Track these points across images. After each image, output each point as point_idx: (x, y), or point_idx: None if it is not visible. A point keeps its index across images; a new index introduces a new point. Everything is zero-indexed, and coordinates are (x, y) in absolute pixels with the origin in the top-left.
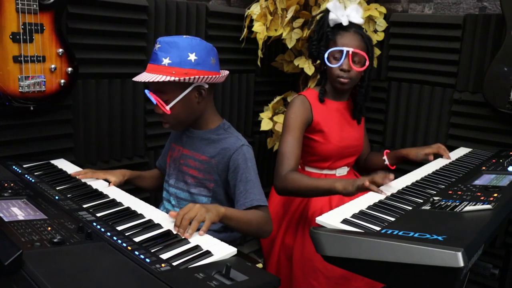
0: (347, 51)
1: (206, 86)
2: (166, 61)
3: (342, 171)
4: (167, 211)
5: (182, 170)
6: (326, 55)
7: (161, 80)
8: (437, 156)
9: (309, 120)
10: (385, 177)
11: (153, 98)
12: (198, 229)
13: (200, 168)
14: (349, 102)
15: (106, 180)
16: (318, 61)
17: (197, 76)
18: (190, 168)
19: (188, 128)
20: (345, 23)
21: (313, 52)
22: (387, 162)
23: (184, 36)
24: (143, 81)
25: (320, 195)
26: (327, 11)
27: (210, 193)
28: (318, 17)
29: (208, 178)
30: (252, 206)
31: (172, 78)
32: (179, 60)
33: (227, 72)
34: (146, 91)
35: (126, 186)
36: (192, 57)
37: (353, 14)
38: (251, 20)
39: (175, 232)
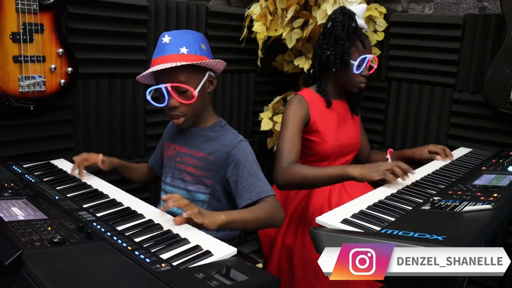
0: (369, 58)
1: (213, 75)
2: (183, 50)
3: None
4: None
5: (179, 168)
6: (356, 63)
7: (193, 63)
8: None
9: (307, 119)
10: (407, 170)
11: (168, 88)
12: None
13: (198, 165)
14: (344, 100)
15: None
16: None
17: (214, 60)
18: (188, 166)
19: None
20: (366, 28)
21: (346, 60)
22: (390, 161)
23: (189, 30)
24: (171, 66)
25: (329, 184)
26: (352, 15)
27: (208, 190)
28: (337, 19)
29: (206, 175)
30: (260, 198)
31: (203, 62)
32: (195, 49)
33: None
34: (159, 86)
35: (127, 186)
36: (203, 46)
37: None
38: (251, 20)
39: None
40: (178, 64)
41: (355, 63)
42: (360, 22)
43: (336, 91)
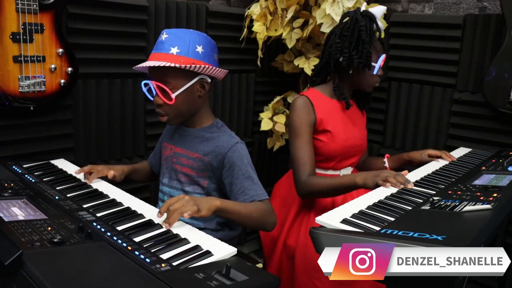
0: (383, 58)
1: (209, 80)
2: (174, 50)
3: (346, 171)
4: None
5: (175, 169)
6: (378, 64)
7: (172, 65)
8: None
9: (313, 121)
10: (404, 183)
11: (153, 86)
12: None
13: (194, 166)
14: (353, 101)
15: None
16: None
17: (206, 66)
18: (183, 167)
19: (180, 126)
20: (382, 30)
21: (369, 61)
22: (387, 165)
23: (191, 30)
24: (151, 65)
25: (343, 193)
26: (373, 18)
27: (203, 191)
28: (361, 23)
29: (201, 176)
30: (253, 202)
31: (183, 66)
32: (187, 50)
33: (226, 70)
34: (148, 81)
35: (127, 186)
36: (200, 49)
37: None
38: (251, 20)
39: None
40: (157, 64)
41: (377, 65)
42: (380, 24)
43: (347, 92)
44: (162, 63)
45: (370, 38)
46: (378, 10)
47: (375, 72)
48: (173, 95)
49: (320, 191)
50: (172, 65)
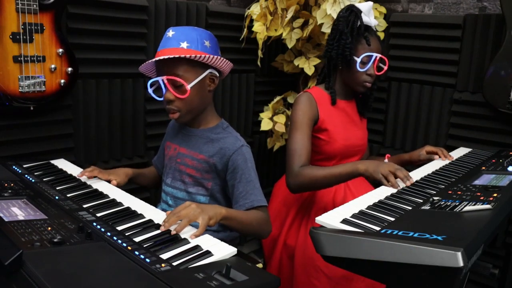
0: (375, 57)
1: (217, 74)
2: (184, 44)
3: None
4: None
5: (179, 169)
6: (359, 60)
7: (187, 56)
8: None
9: (315, 118)
10: (407, 177)
11: (165, 81)
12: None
13: (198, 167)
14: (353, 101)
15: (108, 181)
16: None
17: (216, 57)
18: (188, 167)
19: (184, 126)
20: (374, 26)
21: (347, 55)
22: None
23: (196, 27)
24: (165, 58)
25: (341, 182)
26: (358, 12)
27: (207, 192)
28: (343, 16)
29: (206, 177)
30: (253, 207)
31: (198, 56)
32: (197, 45)
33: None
34: (158, 78)
35: (127, 186)
36: (207, 43)
37: (372, 16)
38: (251, 20)
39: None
40: (171, 56)
41: (358, 60)
42: (366, 19)
43: (345, 91)
44: (176, 56)
45: (351, 31)
46: (364, 6)
47: (358, 68)
48: (188, 87)
49: (315, 181)
50: (188, 56)
